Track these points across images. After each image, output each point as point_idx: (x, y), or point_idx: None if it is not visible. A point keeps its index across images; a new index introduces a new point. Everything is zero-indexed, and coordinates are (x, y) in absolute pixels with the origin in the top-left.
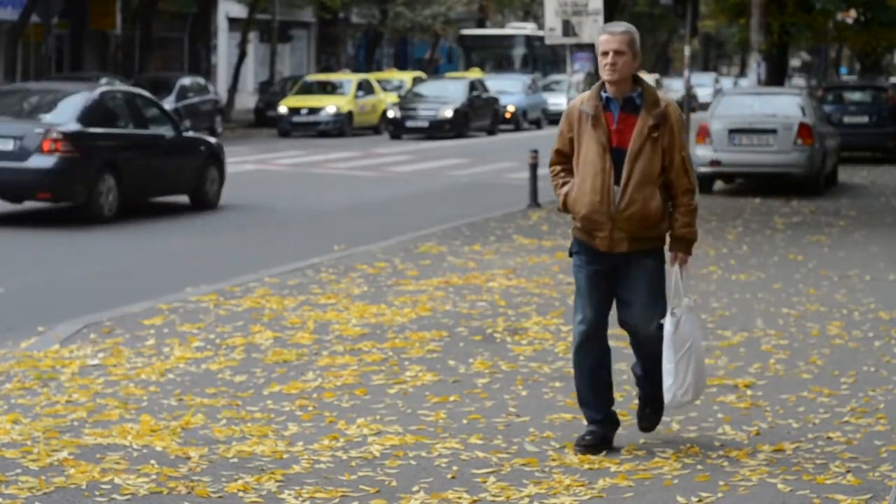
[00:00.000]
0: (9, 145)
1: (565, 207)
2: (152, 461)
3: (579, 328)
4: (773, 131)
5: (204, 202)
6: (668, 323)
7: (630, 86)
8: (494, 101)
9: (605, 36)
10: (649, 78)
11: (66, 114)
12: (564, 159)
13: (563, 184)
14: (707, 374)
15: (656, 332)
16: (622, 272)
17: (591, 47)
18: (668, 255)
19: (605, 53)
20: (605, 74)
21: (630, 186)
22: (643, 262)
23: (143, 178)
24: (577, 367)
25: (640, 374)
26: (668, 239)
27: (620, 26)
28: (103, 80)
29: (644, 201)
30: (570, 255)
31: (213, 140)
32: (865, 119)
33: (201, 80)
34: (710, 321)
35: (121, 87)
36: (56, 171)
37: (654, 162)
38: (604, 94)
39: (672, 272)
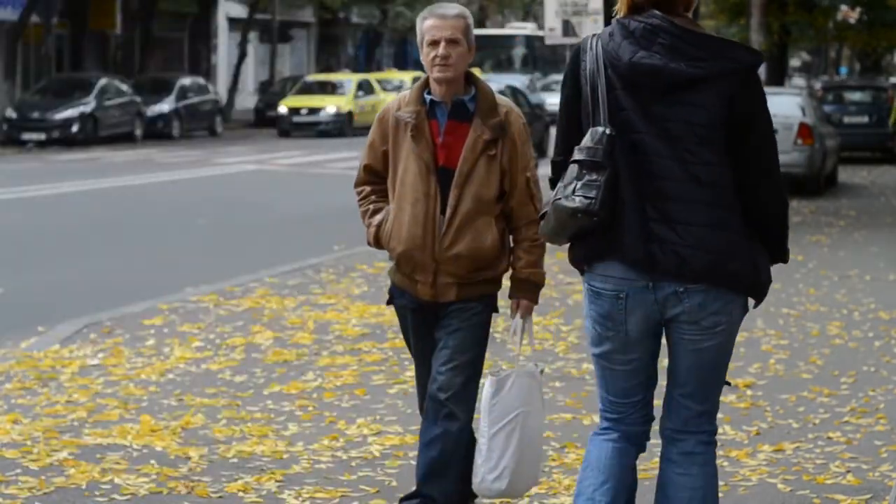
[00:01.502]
0: None
1: (377, 242)
2: (152, 461)
3: (418, 387)
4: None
5: None
6: (487, 384)
7: (462, 86)
8: None
9: (433, 20)
10: None
11: None
12: (376, 179)
13: (375, 211)
14: (544, 459)
15: (459, 399)
16: (443, 324)
17: None
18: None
19: (435, 43)
20: (433, 71)
21: (458, 216)
22: (470, 313)
23: None
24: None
25: None
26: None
27: (453, 8)
28: (102, 81)
29: (476, 235)
30: (388, 303)
31: None
32: (865, 119)
33: (201, 80)
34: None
35: None
36: None
37: (490, 185)
38: (428, 97)
39: (513, 326)
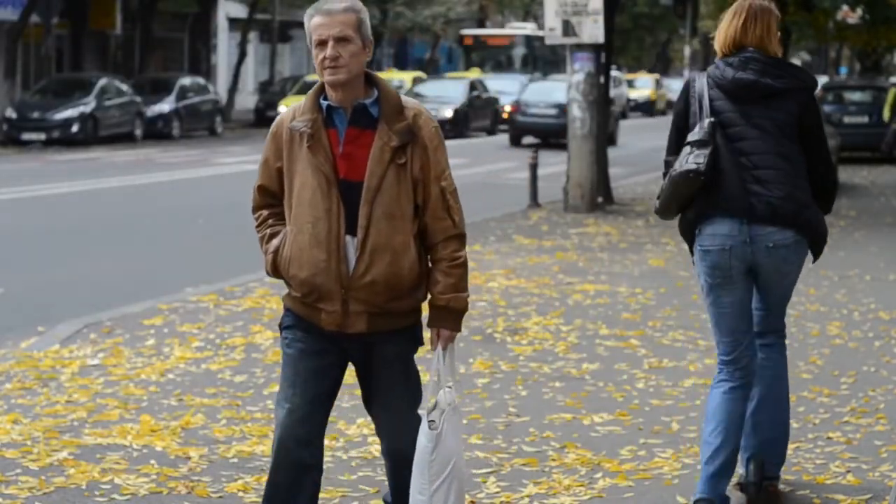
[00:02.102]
0: None
1: (275, 272)
2: (152, 461)
3: (279, 430)
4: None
5: None
6: (423, 437)
7: (362, 89)
8: (494, 101)
9: (319, 18)
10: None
11: None
12: (272, 200)
13: (272, 236)
14: (466, 488)
15: (407, 453)
16: (359, 362)
17: (591, 47)
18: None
19: (322, 43)
20: (324, 74)
21: (371, 238)
22: (390, 348)
23: None
24: (271, 477)
25: None
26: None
27: (341, 1)
28: (102, 81)
29: (393, 259)
30: (280, 328)
31: None
32: (865, 119)
33: (201, 80)
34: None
35: None
36: None
37: (402, 198)
38: (324, 103)
39: (435, 359)
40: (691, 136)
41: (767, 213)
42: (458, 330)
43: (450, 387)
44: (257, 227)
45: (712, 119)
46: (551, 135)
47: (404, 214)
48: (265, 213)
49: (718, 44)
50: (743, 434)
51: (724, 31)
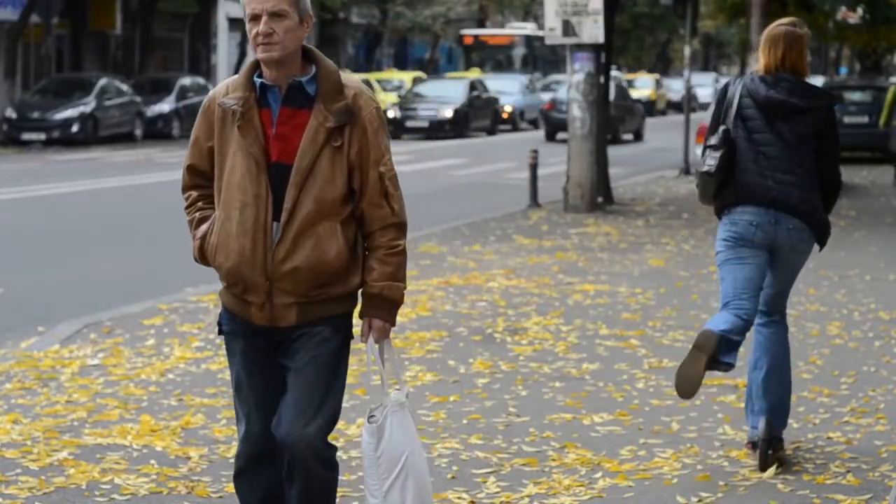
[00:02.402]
0: None
1: (202, 258)
2: (152, 461)
3: (241, 446)
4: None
5: None
6: (366, 435)
7: (299, 66)
8: (494, 101)
9: None
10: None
11: None
12: (203, 181)
13: (201, 221)
14: (431, 490)
15: (316, 449)
16: (288, 354)
17: (591, 47)
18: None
19: (255, 18)
20: (257, 52)
21: (296, 222)
22: (318, 333)
23: None
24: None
25: None
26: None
27: None
28: (102, 81)
29: (318, 244)
30: (220, 332)
31: None
32: (865, 119)
33: (201, 80)
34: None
35: None
36: None
37: (335, 183)
38: (258, 80)
39: (368, 351)
40: (711, 140)
41: (787, 207)
42: (392, 322)
43: (398, 388)
44: (186, 208)
45: (726, 127)
46: None
47: (335, 199)
48: (195, 194)
49: (760, 67)
50: (755, 398)
51: (763, 59)
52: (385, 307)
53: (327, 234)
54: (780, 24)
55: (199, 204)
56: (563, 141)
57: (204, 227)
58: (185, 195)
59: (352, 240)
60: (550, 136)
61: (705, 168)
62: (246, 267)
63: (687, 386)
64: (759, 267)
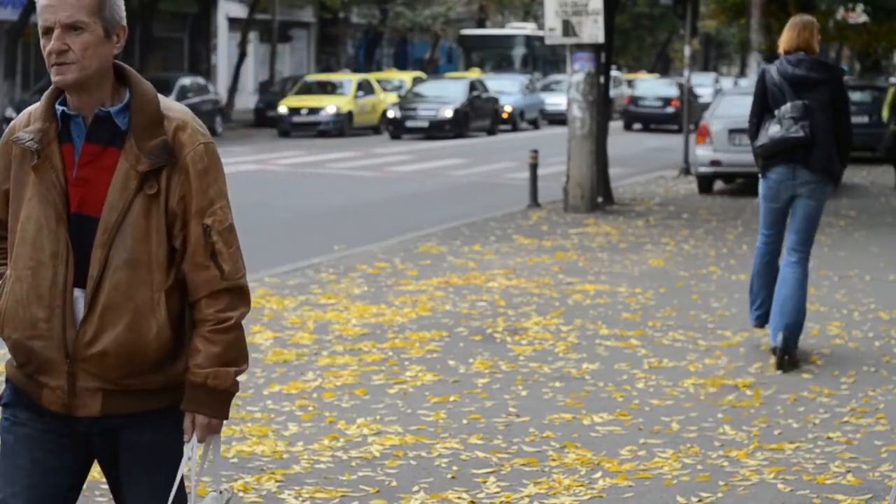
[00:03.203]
0: None
1: None
2: None
3: None
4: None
5: None
6: None
7: (109, 91)
8: (494, 101)
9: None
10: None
11: None
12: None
13: None
14: None
15: None
16: (102, 454)
17: (591, 47)
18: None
19: (47, 32)
20: (51, 74)
21: (104, 293)
22: (138, 434)
23: None
24: None
25: None
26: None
27: None
28: None
29: (134, 319)
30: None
31: None
32: (865, 119)
33: (201, 80)
34: (709, 321)
35: None
36: None
37: (152, 242)
38: (59, 108)
39: (186, 452)
40: (792, 110)
41: (807, 164)
42: (222, 416)
43: (220, 492)
44: None
45: (805, 101)
46: (654, 121)
47: (153, 262)
48: None
49: (781, 46)
50: (776, 317)
51: (784, 38)
52: (211, 400)
53: (147, 309)
54: (797, 16)
55: None
56: (639, 130)
57: None
58: None
59: (179, 314)
60: (628, 126)
61: (799, 135)
62: (39, 343)
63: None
64: (780, 213)
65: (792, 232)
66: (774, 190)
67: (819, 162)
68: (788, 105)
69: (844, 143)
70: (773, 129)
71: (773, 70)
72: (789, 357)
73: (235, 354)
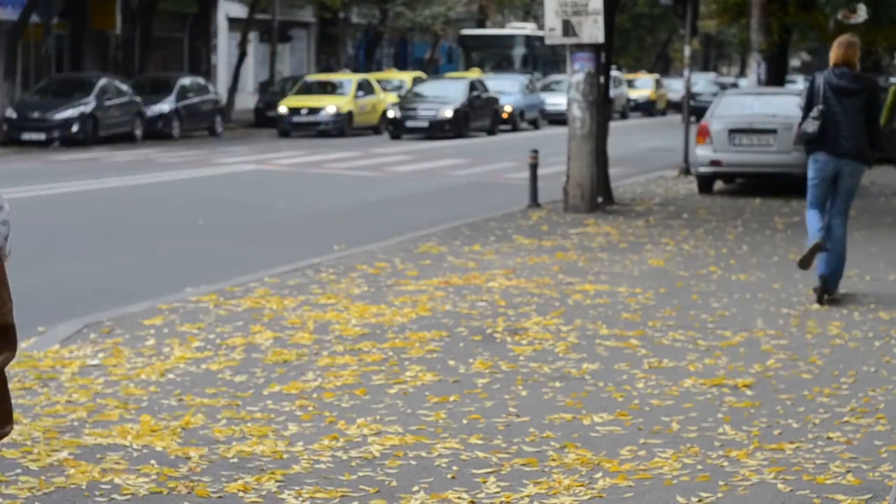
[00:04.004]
0: None
1: None
2: (152, 461)
3: None
4: (773, 131)
5: None
6: None
7: None
8: (494, 101)
9: None
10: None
11: None
12: None
13: None
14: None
15: None
16: None
17: (591, 47)
18: None
19: None
20: None
21: None
22: None
23: None
24: None
25: None
26: None
27: None
28: (102, 81)
29: None
30: None
31: None
32: None
33: (201, 80)
34: (710, 321)
35: None
36: None
37: None
38: None
39: None
40: (813, 113)
41: (846, 152)
42: None
43: None
44: None
45: (822, 106)
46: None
47: None
48: None
49: (831, 60)
50: (820, 264)
51: (833, 54)
52: None
53: None
54: (843, 35)
55: None
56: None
57: None
58: None
59: None
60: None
61: (811, 130)
62: None
63: (808, 267)
64: (825, 187)
65: (835, 202)
66: (821, 169)
67: (855, 149)
68: (815, 109)
69: (875, 136)
70: (804, 124)
71: (820, 79)
72: (828, 295)
73: None
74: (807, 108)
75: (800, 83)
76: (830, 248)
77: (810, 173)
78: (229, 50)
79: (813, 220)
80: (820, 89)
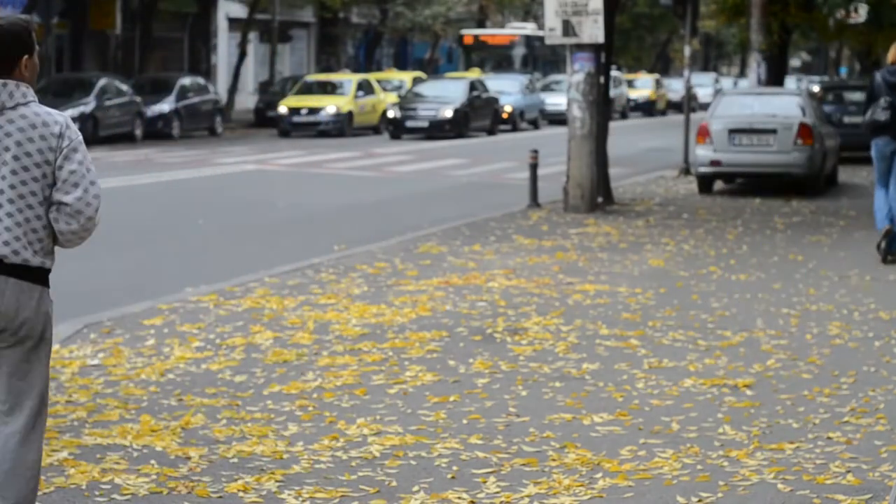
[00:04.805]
0: None
1: None
2: (152, 461)
3: None
4: (773, 131)
5: None
6: None
7: None
8: (494, 101)
9: None
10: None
11: None
12: None
13: None
14: None
15: None
16: None
17: (591, 47)
18: None
19: None
20: None
21: None
22: None
23: None
24: None
25: None
26: None
27: None
28: (102, 81)
29: None
30: None
31: None
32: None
33: (201, 80)
34: (709, 321)
35: None
36: None
37: None
38: None
39: None
40: (882, 104)
41: None
42: None
43: None
44: None
45: (890, 98)
46: None
47: None
48: None
49: (888, 59)
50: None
51: (890, 54)
52: None
53: None
54: None
55: None
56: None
57: None
58: None
59: None
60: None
61: (880, 118)
62: None
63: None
64: (887, 162)
65: (894, 176)
66: (881, 151)
67: None
68: (881, 100)
69: None
70: (870, 113)
71: (878, 76)
72: (892, 256)
73: None
74: (869, 101)
75: (792, 83)
76: (891, 207)
77: (874, 153)
78: (229, 50)
79: (880, 204)
80: (881, 85)
